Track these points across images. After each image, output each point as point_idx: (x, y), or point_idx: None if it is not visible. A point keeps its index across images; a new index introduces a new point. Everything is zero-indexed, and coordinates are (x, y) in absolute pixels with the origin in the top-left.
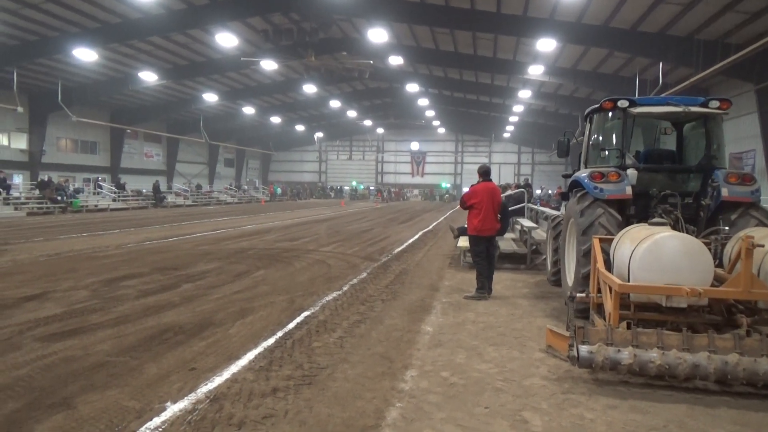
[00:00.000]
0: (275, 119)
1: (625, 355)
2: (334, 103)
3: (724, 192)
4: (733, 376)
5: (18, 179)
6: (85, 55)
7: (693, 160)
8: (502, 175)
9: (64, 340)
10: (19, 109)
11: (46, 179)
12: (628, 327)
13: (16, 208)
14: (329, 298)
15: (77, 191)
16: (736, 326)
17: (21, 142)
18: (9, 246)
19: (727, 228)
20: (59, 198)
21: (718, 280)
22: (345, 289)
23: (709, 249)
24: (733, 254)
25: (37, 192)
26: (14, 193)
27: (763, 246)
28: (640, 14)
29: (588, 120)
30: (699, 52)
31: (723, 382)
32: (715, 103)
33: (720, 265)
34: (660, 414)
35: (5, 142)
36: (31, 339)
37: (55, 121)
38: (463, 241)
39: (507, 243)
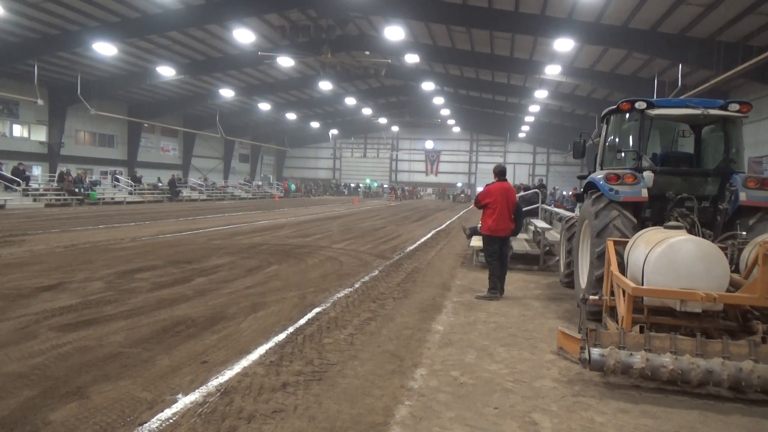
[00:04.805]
0: (291, 116)
1: (638, 359)
2: (350, 101)
3: (742, 196)
4: (747, 383)
5: (37, 171)
6: (105, 49)
7: (711, 164)
8: (517, 176)
9: (79, 331)
10: (39, 101)
11: (64, 171)
12: (641, 331)
13: (34, 200)
14: (341, 295)
15: (94, 184)
16: (752, 333)
17: (40, 135)
18: (27, 237)
19: (744, 233)
20: (77, 190)
21: (734, 286)
22: (356, 286)
23: (726, 254)
24: (750, 260)
25: (55, 184)
26: (33, 185)
27: None
28: (660, 15)
29: (605, 121)
30: (719, 54)
31: (737, 389)
32: (734, 106)
33: (736, 270)
34: (672, 419)
35: (25, 134)
36: (46, 328)
37: (74, 114)
38: (476, 241)
39: (520, 243)
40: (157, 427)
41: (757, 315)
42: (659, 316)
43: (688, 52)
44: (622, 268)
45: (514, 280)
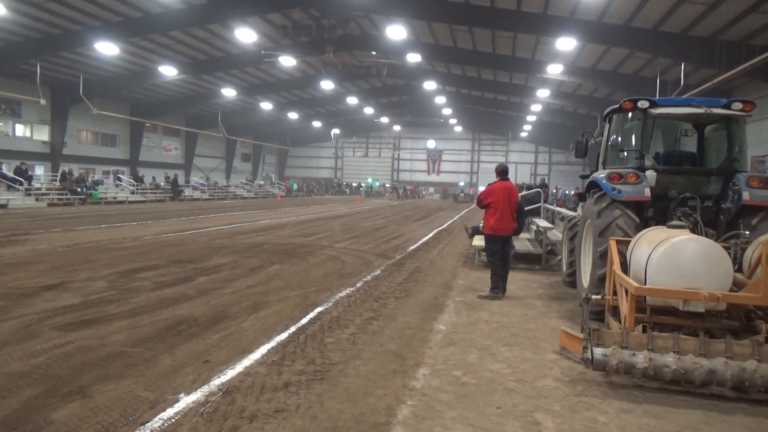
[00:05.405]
0: (292, 115)
1: (640, 358)
2: (352, 100)
3: (745, 195)
4: (751, 383)
5: (39, 170)
6: (107, 48)
7: (714, 163)
8: (519, 175)
9: (81, 330)
10: (42, 101)
11: (67, 170)
12: (644, 330)
13: (37, 199)
14: (343, 294)
15: (97, 183)
16: (755, 332)
17: (43, 134)
18: (29, 236)
19: (747, 232)
20: (79, 189)
21: (737, 285)
22: (358, 285)
23: (729, 253)
24: (753, 259)
25: (57, 183)
26: (35, 184)
27: None
28: (663, 14)
29: (607, 120)
30: (722, 53)
31: (740, 389)
32: (737, 105)
33: (739, 270)
34: (675, 419)
35: (28, 134)
36: (48, 328)
37: (77, 113)
38: (478, 240)
39: (522, 243)
40: (159, 427)
41: (761, 314)
42: (662, 316)
43: (691, 51)
44: (625, 267)
45: (516, 279)
